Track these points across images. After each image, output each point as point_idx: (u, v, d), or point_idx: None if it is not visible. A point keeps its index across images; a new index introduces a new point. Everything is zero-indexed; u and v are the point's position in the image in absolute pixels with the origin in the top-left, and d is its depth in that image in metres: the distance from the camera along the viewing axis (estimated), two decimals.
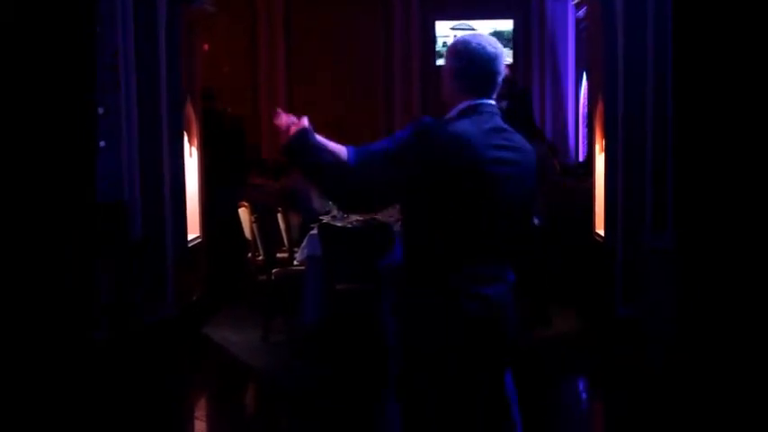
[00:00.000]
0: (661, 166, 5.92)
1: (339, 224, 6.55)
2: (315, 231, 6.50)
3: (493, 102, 3.04)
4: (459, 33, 10.39)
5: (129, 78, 6.14)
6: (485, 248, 2.99)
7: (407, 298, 3.00)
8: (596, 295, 7.07)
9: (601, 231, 7.19)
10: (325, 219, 6.85)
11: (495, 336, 2.96)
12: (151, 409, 5.25)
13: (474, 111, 3.02)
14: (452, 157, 2.91)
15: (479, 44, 3.04)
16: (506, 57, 3.20)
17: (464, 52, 3.05)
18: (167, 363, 6.15)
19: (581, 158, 10.44)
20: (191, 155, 7.41)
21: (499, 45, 3.09)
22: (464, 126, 2.97)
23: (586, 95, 8.99)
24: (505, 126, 3.04)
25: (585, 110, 9.13)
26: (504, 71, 3.08)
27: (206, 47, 8.80)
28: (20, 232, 4.54)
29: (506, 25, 10.63)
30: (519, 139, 3.05)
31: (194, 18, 7.34)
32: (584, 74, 9.18)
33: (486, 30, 10.37)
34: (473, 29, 10.32)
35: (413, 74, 10.16)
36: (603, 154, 7.11)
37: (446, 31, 10.39)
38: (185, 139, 7.12)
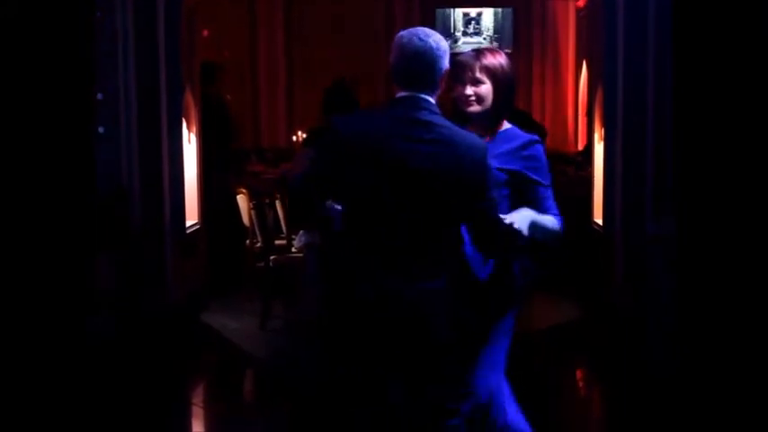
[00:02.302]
0: (661, 155, 5.90)
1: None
2: None
3: (426, 96, 3.04)
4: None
5: (127, 64, 6.12)
6: (394, 241, 2.99)
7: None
8: (595, 284, 7.07)
9: (599, 220, 7.17)
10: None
11: (396, 332, 3.02)
12: (149, 396, 5.25)
13: (395, 102, 3.07)
14: (346, 146, 3.01)
15: (409, 38, 3.04)
16: (446, 50, 3.11)
17: (395, 45, 3.08)
18: (166, 349, 6.12)
19: (580, 147, 10.42)
20: (189, 141, 7.38)
21: (434, 38, 3.06)
22: (368, 116, 3.11)
23: (586, 84, 8.97)
24: (434, 120, 3.03)
25: (585, 98, 9.11)
26: (444, 66, 3.06)
27: (205, 32, 8.77)
28: (19, 220, 4.53)
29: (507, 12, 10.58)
30: (451, 135, 3.02)
31: (194, 3, 7.31)
32: (584, 62, 9.16)
33: (489, 13, 10.36)
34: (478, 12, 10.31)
35: None
36: (603, 143, 7.09)
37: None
38: (184, 125, 7.09)
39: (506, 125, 3.46)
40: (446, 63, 3.07)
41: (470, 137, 3.07)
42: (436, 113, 3.04)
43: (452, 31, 10.37)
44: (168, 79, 6.50)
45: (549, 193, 3.40)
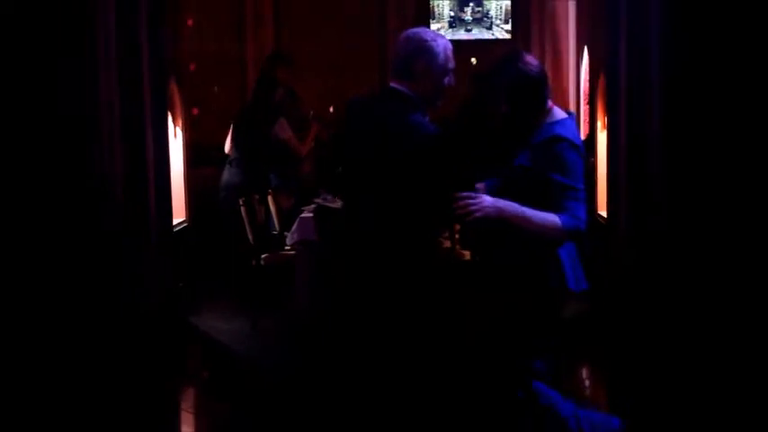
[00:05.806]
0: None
1: (333, 206, 6.37)
2: (306, 215, 6.36)
3: (394, 85, 3.39)
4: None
5: (108, 56, 5.89)
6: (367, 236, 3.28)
7: None
8: (600, 277, 6.88)
9: (603, 212, 7.02)
10: (317, 201, 6.69)
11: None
12: (137, 401, 5.09)
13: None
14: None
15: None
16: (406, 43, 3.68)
17: None
18: (153, 352, 5.92)
19: (582, 136, 10.22)
20: (175, 136, 7.18)
21: (422, 35, 3.51)
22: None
23: (588, 71, 8.79)
24: (380, 106, 3.31)
25: (587, 86, 8.92)
26: (423, 60, 3.44)
27: (190, 22, 8.56)
28: (17, 216, 4.53)
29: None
30: (398, 126, 3.18)
31: None
32: (585, 49, 8.96)
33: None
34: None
35: None
36: (606, 131, 6.92)
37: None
38: (170, 119, 6.88)
39: (557, 116, 3.37)
40: (427, 59, 3.38)
41: (400, 121, 3.20)
42: (392, 100, 3.28)
43: (440, 18, 10.12)
44: (151, 71, 6.28)
45: (571, 193, 3.21)
